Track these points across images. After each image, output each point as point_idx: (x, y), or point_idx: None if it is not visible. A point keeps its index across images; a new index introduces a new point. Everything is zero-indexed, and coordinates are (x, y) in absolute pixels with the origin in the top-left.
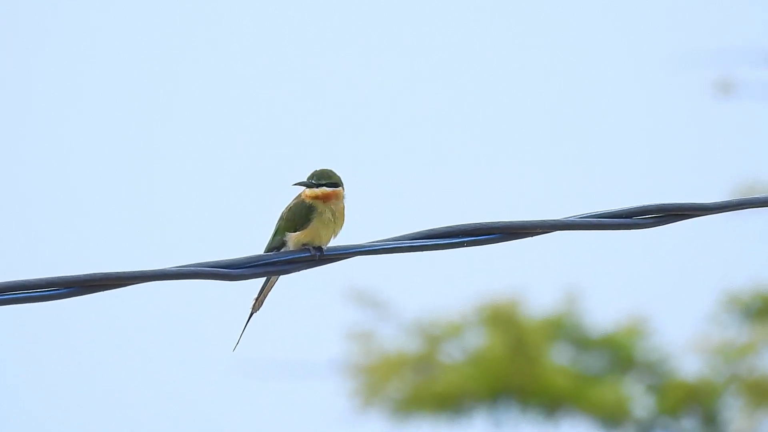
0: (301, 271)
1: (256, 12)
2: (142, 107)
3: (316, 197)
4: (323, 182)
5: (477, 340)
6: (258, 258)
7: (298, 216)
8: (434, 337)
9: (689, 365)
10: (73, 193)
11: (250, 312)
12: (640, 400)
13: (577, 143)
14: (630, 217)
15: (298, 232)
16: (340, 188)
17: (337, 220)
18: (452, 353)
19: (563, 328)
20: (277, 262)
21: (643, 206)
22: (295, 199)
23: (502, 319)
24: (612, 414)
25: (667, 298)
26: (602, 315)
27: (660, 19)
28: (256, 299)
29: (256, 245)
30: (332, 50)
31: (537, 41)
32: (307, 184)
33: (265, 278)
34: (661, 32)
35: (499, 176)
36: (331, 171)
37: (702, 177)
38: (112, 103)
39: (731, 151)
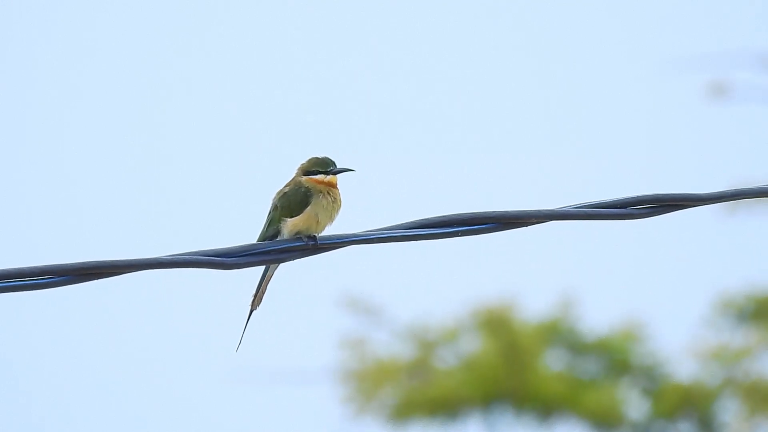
0: (295, 260)
1: (253, 1)
2: (136, 98)
3: (332, 184)
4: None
5: (471, 345)
6: (252, 246)
7: (294, 202)
8: (428, 343)
9: (685, 369)
10: (68, 181)
11: (249, 309)
12: (635, 404)
13: (572, 140)
14: (625, 207)
15: (294, 218)
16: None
17: (336, 204)
18: (446, 358)
19: (558, 333)
20: (271, 250)
21: (639, 196)
22: (287, 185)
23: (496, 324)
24: (607, 418)
25: (662, 302)
26: (597, 319)
27: (657, 22)
28: (255, 295)
29: (250, 234)
30: (328, 40)
31: (538, 40)
32: (336, 172)
33: (262, 274)
34: (658, 35)
35: (495, 167)
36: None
37: (696, 178)
38: (107, 94)
39: (725, 153)
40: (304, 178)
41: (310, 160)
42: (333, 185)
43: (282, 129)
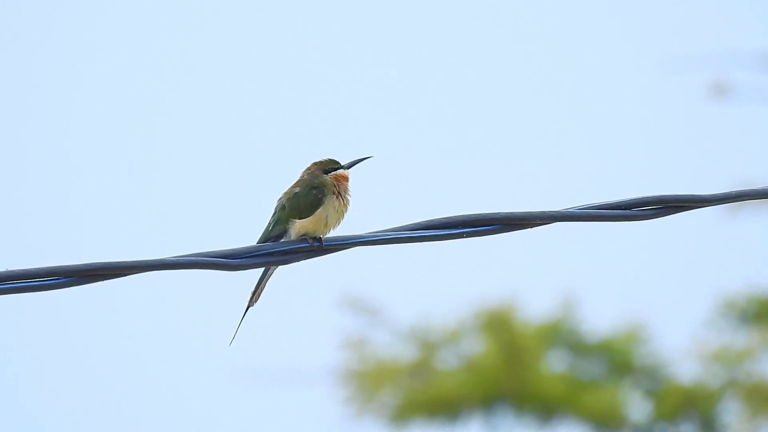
0: (300, 262)
1: (259, 1)
2: (138, 99)
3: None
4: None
5: (472, 346)
6: (257, 248)
7: (305, 203)
8: (429, 344)
9: (687, 370)
10: (72, 183)
11: (246, 306)
12: (637, 405)
13: (574, 141)
14: (629, 209)
15: (304, 220)
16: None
17: (345, 207)
18: (448, 359)
19: (560, 334)
20: (276, 252)
21: (643, 198)
22: (296, 185)
23: (497, 325)
24: (608, 419)
25: (664, 303)
26: (599, 320)
27: (657, 22)
28: (254, 293)
29: (254, 235)
30: (332, 42)
31: (539, 40)
32: (351, 164)
33: (262, 273)
34: (658, 35)
35: (498, 169)
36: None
37: (696, 179)
38: (110, 96)
39: (726, 154)
40: (328, 176)
41: (320, 163)
42: (347, 179)
43: (285, 131)
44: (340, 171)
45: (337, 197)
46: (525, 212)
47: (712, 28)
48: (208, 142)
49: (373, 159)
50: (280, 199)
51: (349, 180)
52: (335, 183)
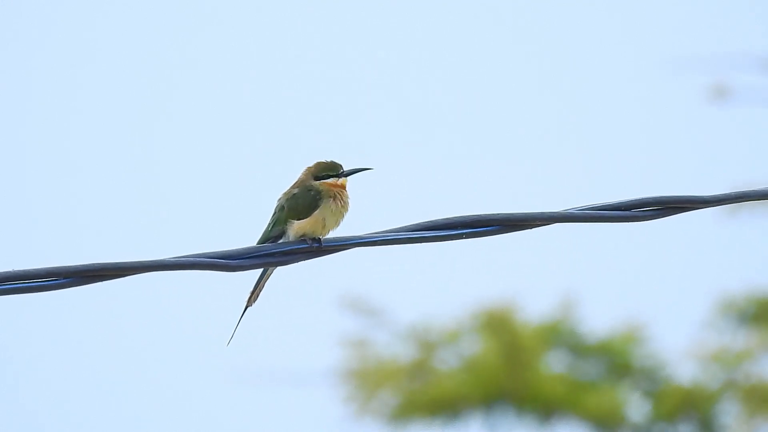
0: (300, 262)
1: (260, 2)
2: (139, 99)
3: (343, 187)
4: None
5: (472, 346)
6: (257, 249)
7: (302, 204)
8: (429, 344)
9: (685, 371)
10: (72, 183)
11: (245, 305)
12: (636, 406)
13: (574, 142)
14: (629, 210)
15: (302, 221)
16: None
17: (344, 209)
18: (447, 359)
19: (559, 334)
20: (276, 253)
21: (642, 198)
22: (295, 186)
23: (497, 325)
24: (607, 419)
25: (663, 304)
26: (598, 321)
27: (657, 23)
28: (252, 293)
29: (253, 236)
30: (332, 43)
31: (539, 41)
32: (348, 173)
33: (261, 273)
34: (659, 36)
35: (499, 170)
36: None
37: (696, 179)
38: (110, 95)
39: (725, 156)
40: (316, 182)
41: (318, 164)
42: (344, 188)
43: (285, 131)
44: (332, 180)
45: (334, 199)
46: (525, 213)
47: (713, 30)
48: (208, 143)
49: (374, 163)
50: (280, 199)
51: (346, 186)
52: (330, 187)
